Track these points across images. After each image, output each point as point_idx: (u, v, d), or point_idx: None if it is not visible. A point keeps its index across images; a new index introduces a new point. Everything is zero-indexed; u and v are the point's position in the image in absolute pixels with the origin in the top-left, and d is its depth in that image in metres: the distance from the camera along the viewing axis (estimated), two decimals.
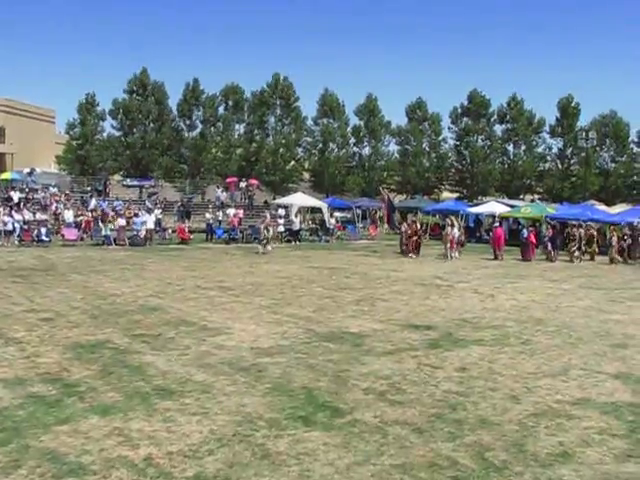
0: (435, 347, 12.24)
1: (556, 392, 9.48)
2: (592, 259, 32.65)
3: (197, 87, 63.93)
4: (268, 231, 33.58)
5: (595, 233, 34.42)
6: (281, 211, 45.19)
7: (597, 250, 33.25)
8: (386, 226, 46.54)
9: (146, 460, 6.78)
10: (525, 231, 33.55)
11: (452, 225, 33.21)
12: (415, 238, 33.04)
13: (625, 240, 33.17)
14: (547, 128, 67.76)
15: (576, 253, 32.16)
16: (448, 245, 31.80)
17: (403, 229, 34.69)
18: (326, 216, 46.96)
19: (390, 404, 8.75)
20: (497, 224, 35.10)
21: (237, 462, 6.76)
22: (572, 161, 66.76)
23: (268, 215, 39.90)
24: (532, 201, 57.27)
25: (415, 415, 8.34)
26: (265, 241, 32.88)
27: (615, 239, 32.65)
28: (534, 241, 32.57)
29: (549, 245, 32.86)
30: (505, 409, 8.68)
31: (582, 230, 33.29)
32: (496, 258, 31.82)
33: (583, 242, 32.88)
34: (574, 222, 34.84)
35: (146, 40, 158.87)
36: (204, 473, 6.49)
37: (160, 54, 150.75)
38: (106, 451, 6.98)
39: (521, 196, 65.02)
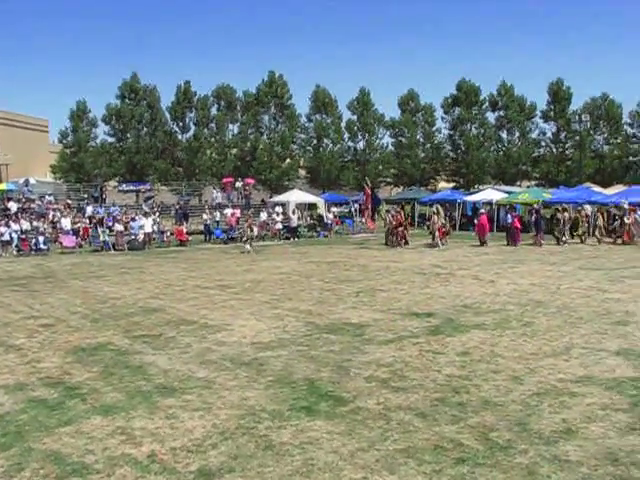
0: (436, 333, 12.22)
1: (558, 371, 9.47)
2: (582, 242, 32.62)
3: (189, 89, 63.92)
4: (252, 230, 33.52)
5: (579, 216, 34.41)
6: (278, 209, 45.19)
7: (587, 232, 33.24)
8: (362, 219, 46.31)
9: (150, 457, 6.77)
10: (510, 217, 33.67)
11: (437, 213, 33.36)
12: (401, 229, 33.07)
13: (616, 220, 33.26)
14: (539, 113, 67.83)
15: (564, 237, 32.24)
16: (437, 233, 31.93)
17: (388, 221, 34.67)
18: (323, 211, 47.01)
19: (393, 391, 8.74)
20: (482, 211, 35.28)
21: (241, 454, 6.75)
22: (567, 145, 66.75)
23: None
24: (528, 187, 57.24)
25: (418, 400, 8.33)
26: (249, 240, 32.73)
27: (600, 220, 32.76)
28: (519, 226, 32.68)
29: (534, 229, 33.08)
30: (508, 390, 8.67)
31: (567, 214, 33.26)
32: (481, 245, 31.93)
33: (568, 225, 32.89)
34: (558, 206, 34.84)
35: (135, 45, 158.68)
36: (208, 466, 6.48)
37: (150, 58, 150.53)
38: (109, 450, 6.97)
39: (517, 182, 65.08)
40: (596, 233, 32.33)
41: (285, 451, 6.80)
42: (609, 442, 6.82)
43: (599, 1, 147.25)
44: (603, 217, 34.14)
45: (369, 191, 40.01)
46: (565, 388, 8.68)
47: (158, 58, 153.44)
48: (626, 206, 33.05)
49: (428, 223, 34.51)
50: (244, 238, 33.09)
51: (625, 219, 32.28)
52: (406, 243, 32.74)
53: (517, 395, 8.45)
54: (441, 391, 8.67)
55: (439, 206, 35.93)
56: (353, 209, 50.43)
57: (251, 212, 42.78)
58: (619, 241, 32.05)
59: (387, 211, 37.36)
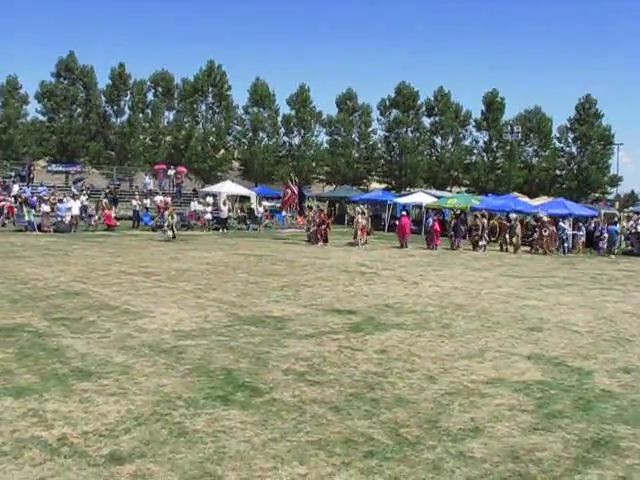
0: (356, 331, 12.40)
1: (471, 372, 9.75)
2: (501, 249, 33.46)
3: (123, 72, 62.73)
4: (173, 217, 33.23)
5: (497, 224, 35.34)
6: (209, 199, 44.95)
7: (505, 240, 34.08)
8: (284, 213, 46.32)
9: (60, 440, 6.70)
10: (430, 220, 34.39)
11: (362, 213, 33.89)
12: (323, 227, 33.35)
13: (535, 230, 34.25)
14: (473, 122, 69.14)
15: (481, 242, 33.06)
16: (359, 233, 32.38)
17: (310, 218, 34.91)
18: (255, 205, 46.99)
19: (309, 384, 8.86)
20: (404, 213, 35.90)
21: (153, 440, 6.76)
22: (497, 154, 68.21)
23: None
24: (458, 192, 58.32)
25: (333, 394, 8.46)
26: (169, 227, 32.46)
27: (519, 228, 33.70)
28: (438, 229, 33.38)
29: (452, 233, 34.00)
30: (421, 388, 8.88)
31: (485, 220, 34.09)
32: (401, 246, 32.48)
33: (486, 232, 33.72)
34: (476, 212, 35.71)
35: (76, 25, 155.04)
36: (119, 451, 6.47)
37: (90, 39, 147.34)
38: (19, 432, 6.86)
39: (448, 188, 66.21)
40: (513, 241, 33.19)
41: (198, 438, 6.83)
42: (512, 441, 7.09)
43: (537, 20, 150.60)
44: (522, 226, 35.14)
45: (293, 186, 39.88)
46: (476, 389, 8.95)
47: (98, 40, 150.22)
48: (545, 218, 34.06)
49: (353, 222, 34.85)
50: (165, 225, 32.73)
51: (542, 231, 33.23)
52: (325, 241, 32.99)
53: (430, 394, 8.66)
54: (356, 387, 8.82)
55: (363, 206, 36.49)
56: None
57: (175, 200, 42.42)
58: (534, 251, 32.99)
59: (309, 207, 37.58)
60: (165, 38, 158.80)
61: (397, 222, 35.42)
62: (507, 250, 33.09)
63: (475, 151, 69.82)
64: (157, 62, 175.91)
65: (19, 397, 7.93)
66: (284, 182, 44.27)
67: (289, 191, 39.54)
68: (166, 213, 33.79)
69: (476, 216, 34.71)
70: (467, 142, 69.82)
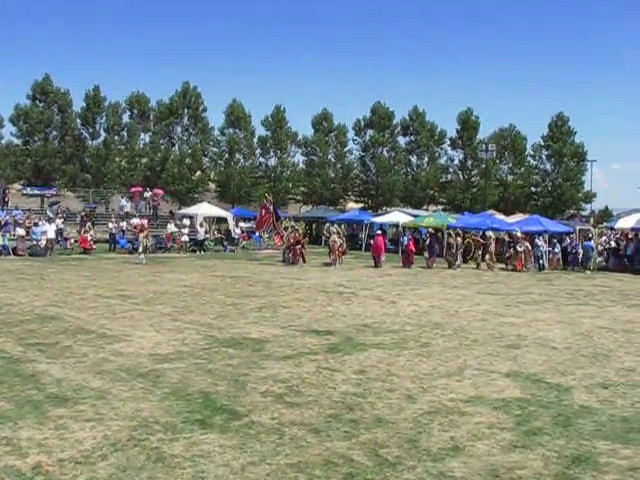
0: (335, 351, 12.38)
1: (450, 391, 9.74)
2: (477, 267, 33.65)
3: (98, 94, 62.45)
4: (148, 240, 32.97)
5: (472, 242, 35.65)
6: (186, 221, 44.80)
7: (479, 258, 34.30)
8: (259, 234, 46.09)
9: (35, 468, 6.59)
10: (405, 239, 34.59)
11: (337, 233, 34.07)
12: (298, 247, 33.38)
13: (511, 247, 34.48)
14: (448, 140, 69.63)
15: (457, 262, 33.25)
16: (336, 252, 32.49)
17: (286, 238, 34.94)
18: (231, 226, 46.91)
19: (288, 406, 8.80)
20: (379, 232, 36.09)
21: (131, 466, 6.68)
22: (473, 172, 68.63)
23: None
24: (435, 211, 58.55)
25: (312, 416, 8.42)
26: (144, 250, 32.25)
27: (493, 246, 33.91)
28: (413, 249, 33.56)
29: (427, 252, 34.19)
30: (401, 408, 8.86)
31: (459, 239, 34.30)
32: (376, 266, 32.54)
33: (460, 250, 33.92)
34: (450, 231, 35.95)
35: (51, 46, 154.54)
36: (96, 478, 6.37)
37: (65, 62, 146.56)
38: None
39: (424, 206, 66.47)
40: (486, 258, 33.38)
41: (176, 463, 6.76)
42: (493, 459, 7.08)
43: (510, 38, 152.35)
44: (497, 243, 35.42)
45: (269, 206, 39.72)
46: (456, 407, 8.94)
47: (72, 62, 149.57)
48: (519, 234, 34.32)
49: (329, 242, 34.85)
50: (139, 248, 32.47)
51: (518, 247, 33.45)
52: (303, 261, 33.00)
53: (409, 413, 8.64)
54: (335, 408, 8.79)
55: (338, 226, 36.63)
56: None
57: (151, 222, 42.24)
58: (510, 267, 33.19)
59: (285, 228, 37.58)
60: (140, 60, 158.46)
61: (372, 241, 35.45)
62: (480, 268, 33.26)
63: (451, 169, 70.16)
64: (132, 84, 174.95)
65: None
66: (260, 203, 44.19)
67: (264, 211, 39.38)
68: (141, 236, 33.53)
69: (450, 234, 34.93)
70: (442, 161, 70.18)
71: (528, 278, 29.28)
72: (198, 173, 65.31)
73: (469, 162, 68.37)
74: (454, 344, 13.38)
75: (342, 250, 34.07)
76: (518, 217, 46.60)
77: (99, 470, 6.56)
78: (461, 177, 69.04)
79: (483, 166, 65.52)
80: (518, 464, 6.95)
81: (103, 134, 62.90)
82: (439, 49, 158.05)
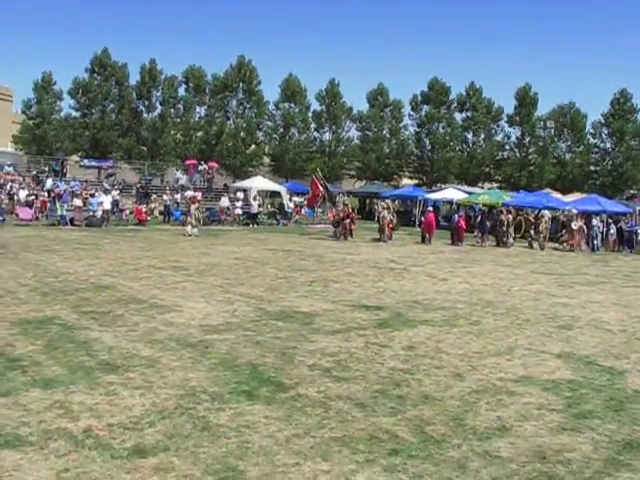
0: (384, 327, 12.33)
1: (500, 370, 9.62)
2: (530, 245, 33.15)
3: (154, 68, 63.04)
4: (200, 212, 33.02)
5: (523, 220, 35.12)
6: (240, 194, 45.06)
7: (530, 236, 33.82)
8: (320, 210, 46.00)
9: (85, 432, 6.73)
10: (455, 216, 34.21)
11: (387, 208, 33.79)
12: (347, 222, 33.25)
13: (565, 226, 33.89)
14: (505, 117, 68.44)
15: (505, 239, 32.78)
16: (386, 229, 32.30)
17: (335, 213, 34.86)
18: (285, 200, 47.03)
19: (335, 380, 8.80)
20: (430, 209, 35.73)
21: (177, 433, 6.76)
22: (530, 150, 67.46)
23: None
24: (490, 189, 57.80)
25: (359, 391, 8.40)
26: (195, 223, 32.35)
27: (544, 225, 33.34)
28: (464, 226, 33.18)
29: (477, 230, 33.94)
30: (448, 386, 8.79)
31: (510, 216, 33.76)
32: (424, 242, 32.29)
33: (511, 228, 33.41)
34: (502, 208, 35.43)
35: (110, 22, 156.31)
36: (143, 444, 6.48)
37: (124, 35, 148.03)
38: (45, 423, 6.92)
39: (480, 184, 65.67)
40: (537, 237, 32.86)
41: (221, 433, 6.82)
42: (540, 440, 6.97)
43: (570, 14, 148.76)
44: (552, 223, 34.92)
45: (318, 181, 39.70)
46: (504, 387, 8.83)
47: (131, 37, 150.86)
48: (574, 211, 33.70)
49: (379, 216, 34.62)
50: (187, 220, 32.61)
51: (573, 225, 32.83)
52: (351, 236, 32.90)
53: (456, 391, 8.57)
54: (382, 383, 8.75)
55: (389, 201, 36.37)
56: None
57: (205, 195, 42.58)
58: (566, 247, 32.62)
59: (334, 204, 37.59)
60: (196, 35, 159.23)
61: (423, 218, 35.10)
62: (532, 246, 32.79)
63: (507, 147, 69.11)
64: (188, 58, 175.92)
65: (46, 389, 7.99)
66: (312, 178, 44.20)
67: (315, 186, 39.48)
68: (192, 207, 33.79)
69: (501, 212, 34.44)
70: (499, 138, 69.14)
71: (583, 259, 28.76)
72: (252, 147, 65.60)
73: (526, 139, 67.20)
74: (505, 323, 13.21)
75: (392, 226, 33.83)
76: (575, 196, 45.82)
77: (146, 436, 6.66)
78: (518, 154, 67.92)
79: (541, 144, 64.38)
80: (566, 447, 6.83)
81: (159, 107, 63.55)
82: (495, 25, 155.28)
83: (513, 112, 67.65)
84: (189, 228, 31.93)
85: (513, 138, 68.51)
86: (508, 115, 68.08)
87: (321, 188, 39.22)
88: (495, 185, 65.86)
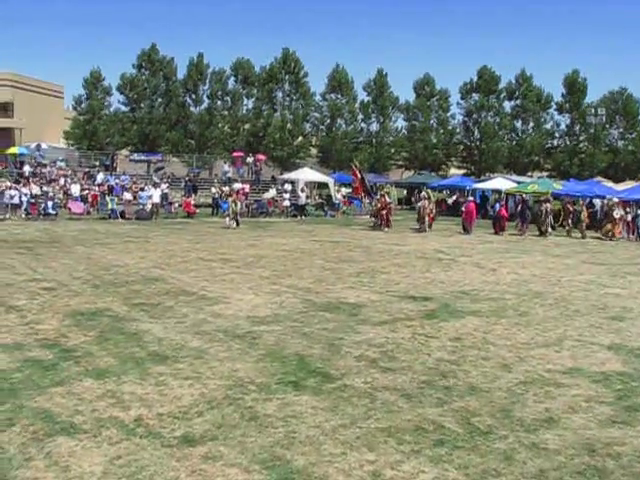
0: (431, 317, 12.31)
1: (548, 362, 9.55)
2: (568, 235, 32.67)
3: (201, 62, 63.49)
4: (236, 205, 33.12)
5: (562, 208, 34.54)
6: (287, 186, 45.22)
7: (569, 225, 33.37)
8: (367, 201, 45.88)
9: (136, 421, 6.91)
10: (497, 205, 33.81)
11: (428, 198, 33.53)
12: (385, 212, 33.08)
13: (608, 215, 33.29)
14: (554, 105, 67.27)
15: (543, 227, 32.30)
16: (427, 218, 32.10)
17: (374, 203, 34.72)
18: (332, 191, 47.04)
19: (381, 371, 8.84)
20: (470, 199, 35.38)
21: (225, 423, 6.88)
22: (580, 138, 66.23)
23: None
24: (539, 178, 56.96)
25: (405, 382, 8.43)
26: (233, 215, 32.40)
27: (585, 214, 32.76)
28: (505, 215, 32.79)
29: (518, 219, 33.51)
30: (495, 377, 8.75)
31: (548, 205, 33.21)
32: (465, 232, 32.04)
33: (550, 216, 32.90)
34: (541, 197, 34.91)
35: (156, 16, 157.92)
36: (192, 433, 6.61)
37: (171, 31, 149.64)
38: (98, 412, 7.11)
39: (529, 173, 64.74)
40: (584, 228, 32.36)
41: (269, 423, 6.92)
42: (589, 433, 6.91)
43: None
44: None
45: (357, 172, 39.68)
46: (552, 379, 8.76)
47: (178, 31, 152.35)
48: (615, 199, 33.08)
49: (419, 206, 34.35)
50: (229, 214, 32.76)
51: (614, 213, 32.19)
52: (388, 226, 32.79)
53: (504, 383, 8.53)
54: (429, 374, 8.76)
55: (430, 191, 36.10)
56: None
57: (253, 187, 42.75)
58: (608, 235, 32.02)
59: (375, 193, 37.49)
60: (243, 28, 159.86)
61: (463, 208, 34.69)
62: (571, 235, 32.29)
63: (557, 135, 67.98)
64: (234, 52, 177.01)
65: (99, 379, 8.20)
66: (366, 169, 44.25)
67: (355, 177, 39.60)
68: (229, 200, 33.94)
69: (541, 201, 33.96)
70: (548, 126, 68.02)
71: (636, 248, 28.23)
72: (300, 138, 65.62)
73: (576, 127, 65.97)
74: (554, 314, 13.07)
75: (432, 216, 33.60)
76: (628, 184, 44.89)
77: (195, 426, 6.80)
78: (567, 143, 66.76)
79: (591, 131, 63.19)
80: (617, 440, 6.75)
81: (206, 100, 64.03)
82: (544, 11, 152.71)
83: (562, 100, 66.47)
84: (227, 220, 32.22)
85: (562, 126, 67.33)
86: (557, 103, 66.92)
87: (357, 179, 39.29)
88: (545, 174, 64.87)
